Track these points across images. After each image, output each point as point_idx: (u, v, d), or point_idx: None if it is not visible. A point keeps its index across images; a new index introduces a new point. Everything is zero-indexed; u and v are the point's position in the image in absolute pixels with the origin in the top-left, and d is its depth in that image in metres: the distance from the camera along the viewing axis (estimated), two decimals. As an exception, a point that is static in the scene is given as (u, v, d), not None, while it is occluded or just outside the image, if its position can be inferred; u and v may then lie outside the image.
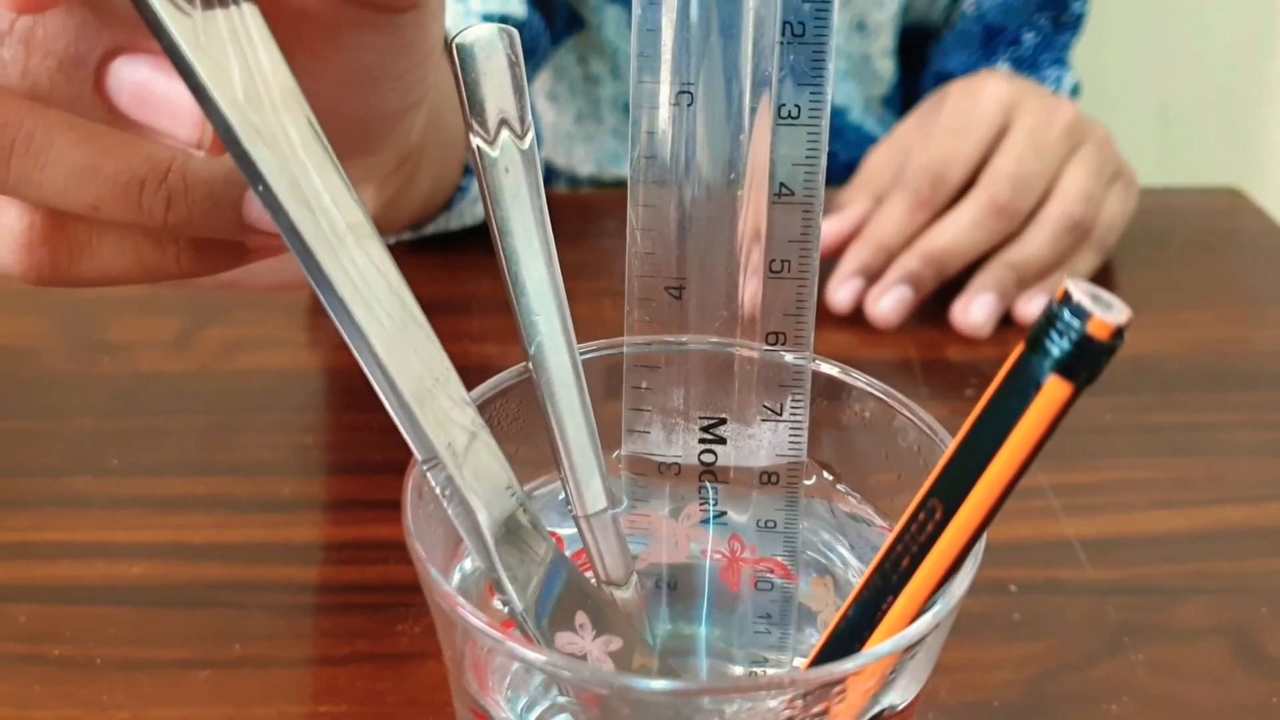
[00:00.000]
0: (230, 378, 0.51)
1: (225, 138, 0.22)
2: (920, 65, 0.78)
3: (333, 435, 0.48)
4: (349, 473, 0.46)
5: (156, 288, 0.57)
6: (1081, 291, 0.18)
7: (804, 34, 0.24)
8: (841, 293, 0.56)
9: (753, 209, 0.26)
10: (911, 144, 0.61)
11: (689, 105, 0.25)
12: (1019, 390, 0.19)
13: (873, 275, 0.56)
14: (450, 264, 0.59)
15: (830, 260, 0.58)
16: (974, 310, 0.55)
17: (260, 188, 0.22)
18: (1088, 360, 0.18)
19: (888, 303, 0.55)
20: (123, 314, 0.55)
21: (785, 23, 0.24)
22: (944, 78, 0.73)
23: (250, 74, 0.22)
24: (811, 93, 0.25)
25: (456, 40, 0.24)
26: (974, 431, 0.20)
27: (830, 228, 0.58)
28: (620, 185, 0.75)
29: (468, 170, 0.55)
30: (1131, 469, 0.47)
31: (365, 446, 0.48)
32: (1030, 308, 0.56)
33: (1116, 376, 0.54)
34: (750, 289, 0.26)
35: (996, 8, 0.72)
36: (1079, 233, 0.57)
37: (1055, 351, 0.18)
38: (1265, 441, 0.50)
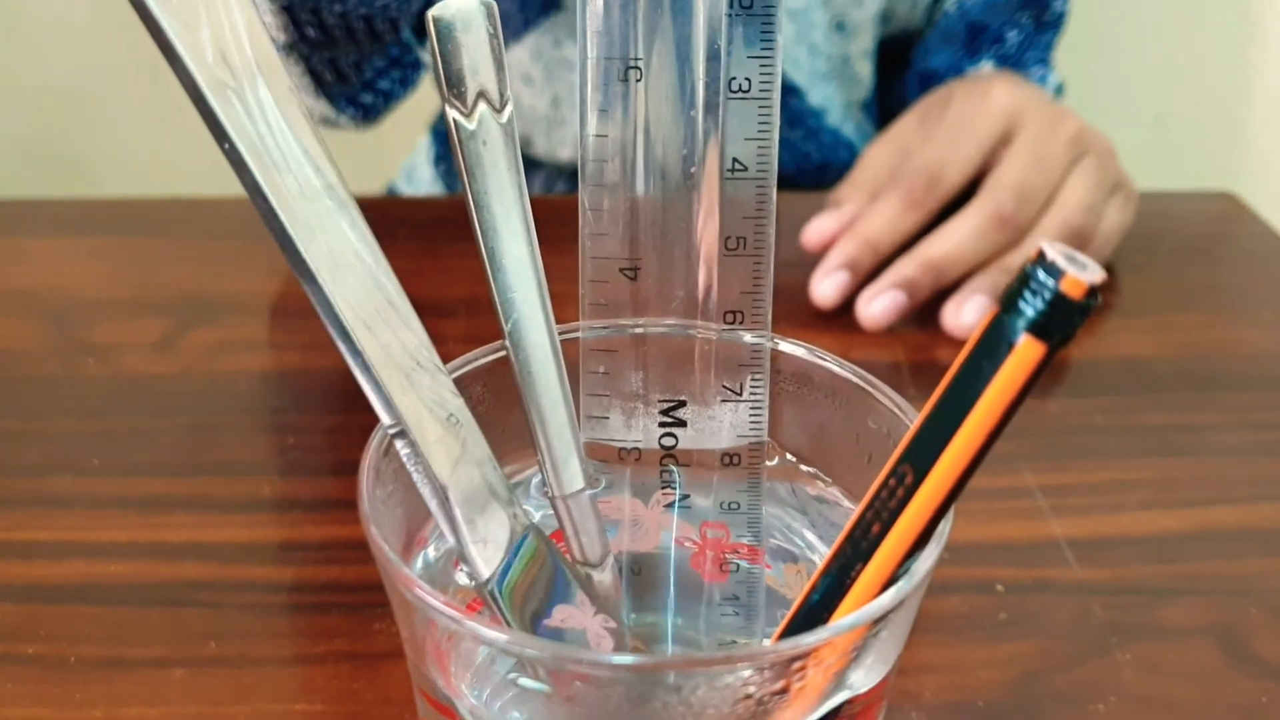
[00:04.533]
0: (213, 379, 0.51)
1: (192, 96, 0.21)
2: (902, 68, 0.77)
3: (313, 436, 0.48)
4: (329, 473, 0.46)
5: (141, 289, 0.57)
6: (1056, 251, 0.18)
7: (752, 5, 0.24)
8: (825, 286, 0.56)
9: (706, 185, 0.25)
10: (911, 142, 0.61)
11: (638, 81, 0.25)
12: (992, 351, 0.18)
13: (857, 269, 0.56)
14: (436, 268, 0.58)
15: (821, 255, 0.57)
16: (966, 312, 0.55)
17: (226, 145, 0.21)
18: (1061, 320, 0.18)
19: (879, 305, 0.55)
20: (108, 316, 0.55)
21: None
22: (928, 77, 0.73)
23: (223, 35, 0.21)
24: (762, 65, 0.24)
25: (434, 13, 0.23)
26: (946, 394, 0.19)
27: (824, 225, 0.58)
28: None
29: None
30: (1120, 469, 0.47)
31: (345, 447, 0.47)
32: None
33: (1106, 377, 0.55)
34: (707, 268, 0.26)
35: (979, 5, 0.72)
36: (1078, 242, 0.57)
37: (1029, 311, 0.18)
38: (1255, 442, 0.49)
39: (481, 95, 0.24)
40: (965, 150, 0.58)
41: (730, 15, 0.24)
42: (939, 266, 0.55)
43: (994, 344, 0.18)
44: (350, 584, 0.40)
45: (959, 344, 0.54)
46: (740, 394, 0.27)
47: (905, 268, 0.55)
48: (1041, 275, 0.18)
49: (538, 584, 0.26)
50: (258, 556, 0.42)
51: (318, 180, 0.22)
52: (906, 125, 0.63)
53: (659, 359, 0.27)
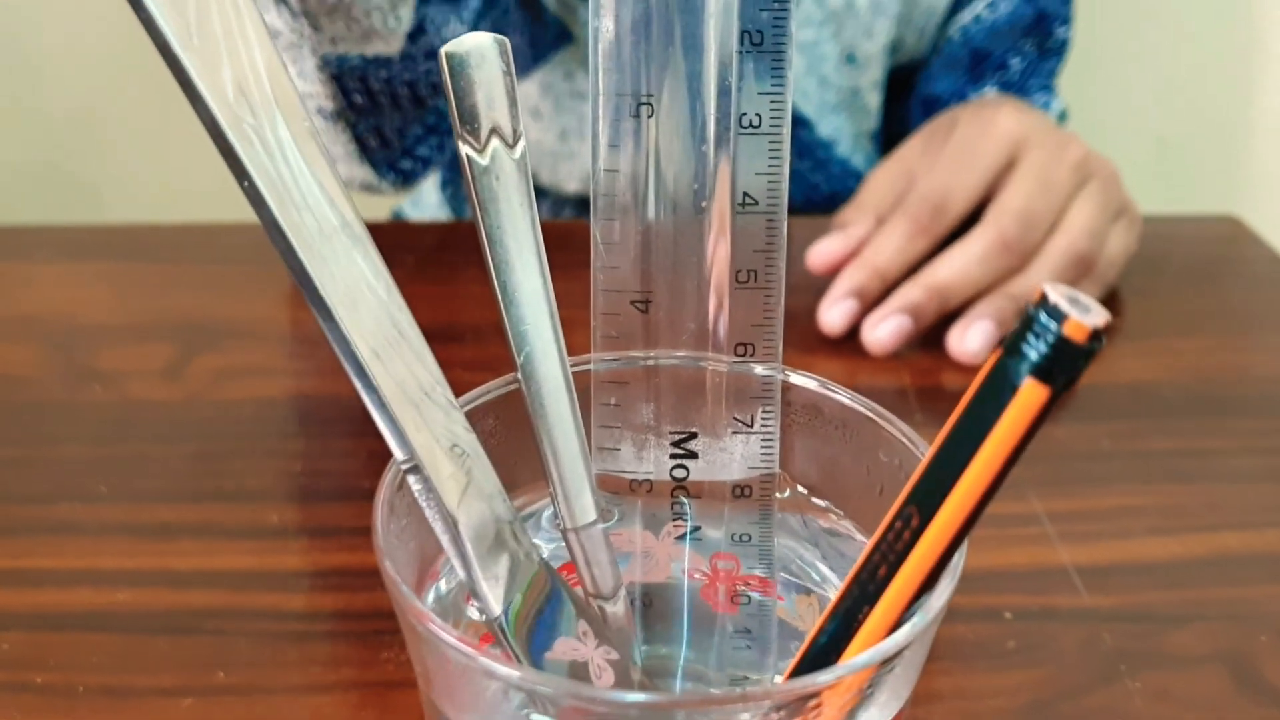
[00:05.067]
0: (219, 406, 0.51)
1: (212, 133, 0.21)
2: (906, 93, 0.78)
3: (320, 462, 0.48)
4: (336, 500, 0.46)
5: (147, 315, 0.57)
6: (1059, 294, 0.18)
7: (762, 42, 0.24)
8: (833, 313, 0.56)
9: (717, 219, 0.25)
10: (916, 166, 0.61)
11: (649, 117, 0.25)
12: (996, 394, 0.18)
13: (865, 297, 0.56)
14: (444, 293, 0.59)
15: (829, 279, 0.57)
16: (970, 338, 0.55)
17: (245, 183, 0.22)
18: (1064, 363, 0.18)
19: (885, 330, 0.55)
20: (114, 342, 0.55)
21: (744, 32, 0.24)
22: (931, 102, 0.73)
23: (243, 74, 0.22)
24: (772, 101, 0.24)
25: (447, 49, 0.24)
26: (951, 437, 0.19)
27: (830, 247, 0.58)
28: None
29: None
30: (1128, 495, 0.47)
31: (353, 474, 0.47)
32: None
33: (1112, 402, 0.55)
34: (717, 301, 0.26)
35: (983, 33, 0.73)
36: (1082, 267, 0.57)
37: (1032, 354, 0.18)
38: (1262, 467, 0.49)
39: (494, 131, 0.24)
40: (970, 176, 0.58)
41: (741, 52, 0.24)
42: (944, 292, 0.55)
43: (998, 387, 0.18)
44: (358, 612, 0.40)
45: (965, 369, 0.54)
46: (751, 426, 0.27)
47: (911, 293, 0.55)
48: (1044, 318, 0.18)
49: (542, 616, 0.26)
50: (266, 584, 0.42)
51: (334, 217, 0.22)
52: (911, 149, 0.63)
53: (670, 391, 0.27)
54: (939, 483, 0.19)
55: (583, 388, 0.27)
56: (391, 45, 0.57)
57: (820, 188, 0.72)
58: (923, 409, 0.52)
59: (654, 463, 0.28)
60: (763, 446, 0.27)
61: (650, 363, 0.27)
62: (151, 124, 1.05)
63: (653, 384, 0.27)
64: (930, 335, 0.56)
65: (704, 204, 0.25)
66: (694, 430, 0.28)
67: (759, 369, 0.27)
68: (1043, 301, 0.18)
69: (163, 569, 0.42)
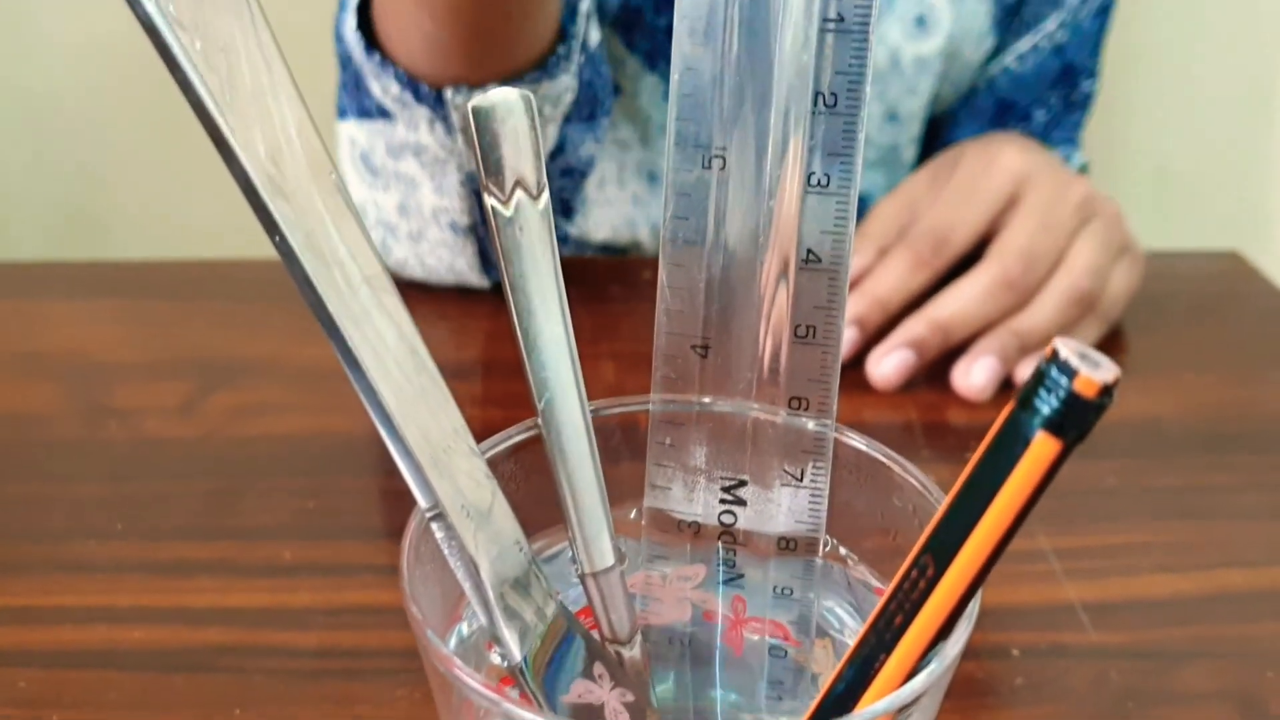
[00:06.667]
0: (234, 443, 0.51)
1: (245, 190, 0.22)
2: (932, 141, 0.78)
3: (334, 500, 0.48)
4: (350, 537, 0.46)
5: (161, 352, 0.58)
6: (1070, 350, 0.18)
7: (836, 104, 0.25)
8: None
9: (779, 273, 0.26)
10: (920, 200, 0.62)
11: (721, 169, 0.26)
12: (1009, 447, 0.19)
13: (865, 327, 0.57)
14: (459, 329, 0.59)
15: None
16: (975, 374, 0.55)
17: (276, 239, 0.22)
18: (1076, 418, 0.18)
19: (890, 365, 0.55)
20: (129, 379, 0.56)
21: (818, 93, 0.25)
22: None
23: (274, 133, 0.22)
24: (842, 163, 0.25)
25: (474, 104, 0.24)
26: (965, 489, 0.20)
27: None
28: (627, 253, 0.75)
29: (565, 41, 0.55)
30: (1134, 532, 0.47)
31: (367, 511, 0.48)
32: (1030, 371, 0.56)
33: (1118, 439, 0.55)
34: (775, 353, 0.27)
35: (1009, 83, 0.73)
36: (1085, 305, 0.58)
37: (1044, 409, 0.19)
38: (1268, 504, 0.49)
39: (519, 183, 0.25)
40: (973, 212, 0.58)
41: (814, 113, 0.25)
42: (947, 327, 0.56)
43: (1011, 440, 0.19)
44: (373, 649, 0.41)
45: (969, 404, 0.55)
46: (801, 480, 0.27)
47: (914, 327, 0.56)
48: (1055, 373, 0.18)
49: (559, 659, 0.26)
50: (281, 621, 0.42)
51: (362, 271, 0.23)
52: (916, 182, 0.63)
53: (723, 436, 0.28)
54: (954, 533, 0.20)
55: (640, 426, 0.28)
56: None
57: None
58: (929, 444, 0.53)
59: (703, 505, 0.28)
60: (811, 501, 0.27)
61: (706, 407, 0.28)
62: (165, 160, 1.06)
63: (707, 428, 0.28)
64: (935, 369, 0.56)
65: (768, 257, 0.26)
66: (744, 478, 0.28)
67: (811, 424, 0.27)
68: (1054, 357, 0.18)
69: (179, 606, 0.43)
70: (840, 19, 0.24)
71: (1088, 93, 0.74)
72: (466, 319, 0.60)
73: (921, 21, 0.71)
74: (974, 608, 0.22)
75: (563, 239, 0.64)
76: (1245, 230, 1.14)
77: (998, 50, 0.74)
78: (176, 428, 0.52)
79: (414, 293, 0.62)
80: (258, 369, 0.56)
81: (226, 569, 0.44)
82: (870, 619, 0.21)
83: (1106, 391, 0.18)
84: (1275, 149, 1.14)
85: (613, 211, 0.74)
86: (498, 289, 0.67)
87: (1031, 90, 0.73)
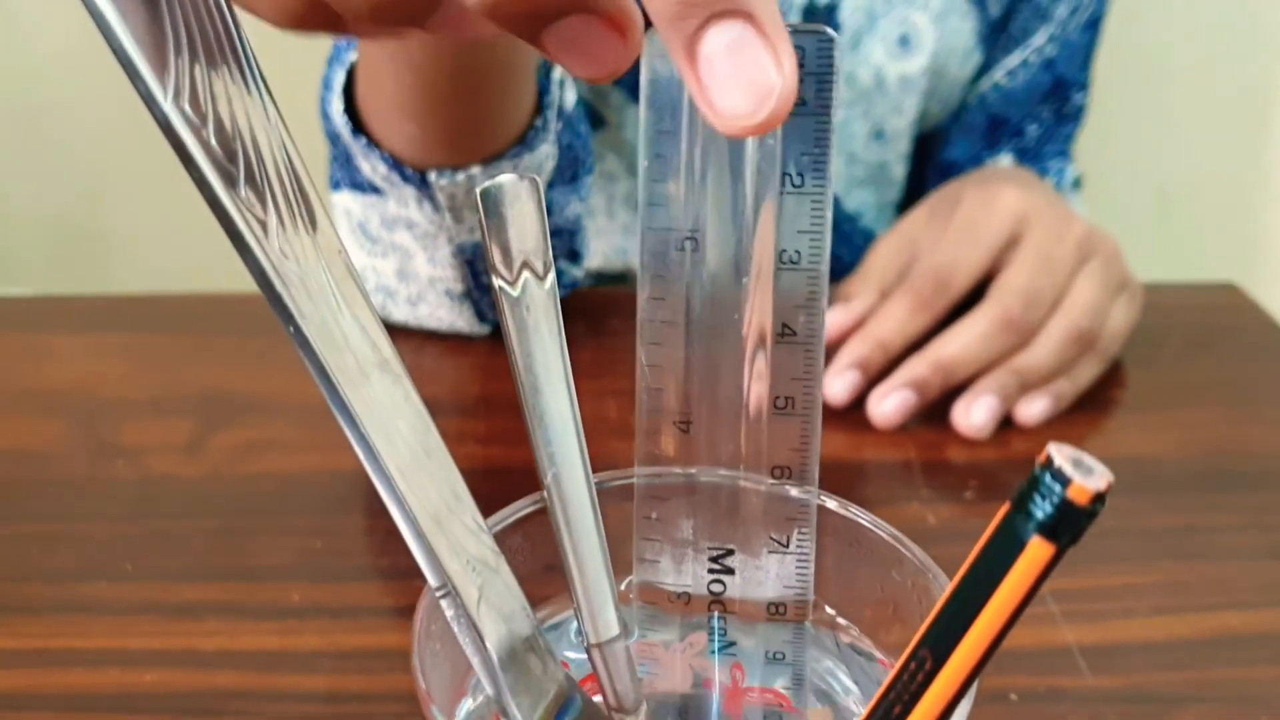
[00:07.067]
0: (241, 482, 0.52)
1: (259, 280, 0.23)
2: (922, 157, 0.79)
3: (341, 540, 0.49)
4: (357, 579, 0.47)
5: (166, 389, 0.58)
6: (1064, 457, 0.19)
7: (803, 184, 0.26)
8: (836, 385, 0.57)
9: (756, 346, 0.27)
10: (920, 239, 0.62)
11: (694, 250, 0.26)
12: (1004, 549, 0.20)
13: (868, 369, 0.57)
14: (458, 365, 0.60)
15: (832, 351, 0.59)
16: (975, 412, 0.56)
17: (291, 328, 0.23)
18: (1069, 523, 0.19)
19: (890, 405, 0.56)
20: (134, 416, 0.56)
21: (785, 174, 0.26)
22: (947, 168, 0.75)
23: (283, 221, 0.23)
24: (811, 239, 0.26)
25: (484, 188, 0.25)
26: (962, 586, 0.20)
27: (833, 319, 0.59)
28: (624, 279, 0.76)
29: (541, 112, 0.56)
30: (1131, 574, 0.48)
31: (374, 551, 0.48)
32: (1031, 410, 0.57)
33: (1115, 477, 0.55)
34: (756, 425, 0.27)
35: (1000, 99, 0.74)
36: (1084, 343, 0.58)
37: (1038, 514, 0.19)
38: (1266, 545, 0.50)
39: (526, 264, 0.25)
40: (974, 253, 0.59)
41: (782, 193, 0.25)
42: (948, 367, 0.57)
43: (1006, 542, 0.20)
44: (380, 694, 0.41)
45: (969, 443, 0.55)
46: (787, 546, 0.28)
47: (916, 368, 0.57)
48: (1049, 480, 0.19)
49: None
50: (289, 665, 0.43)
51: (373, 355, 0.24)
52: (915, 221, 0.64)
53: (709, 508, 0.29)
54: (951, 628, 0.20)
55: (625, 500, 0.28)
56: None
57: (844, 259, 0.73)
58: (928, 483, 0.53)
59: (692, 576, 0.29)
60: (798, 567, 0.28)
61: (690, 480, 0.28)
62: (168, 196, 1.07)
63: (692, 500, 0.29)
64: (935, 409, 0.57)
65: (744, 333, 0.27)
66: (731, 547, 0.29)
67: (795, 491, 0.28)
68: (1048, 464, 0.19)
69: (188, 649, 0.43)
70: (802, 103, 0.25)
71: (1079, 105, 0.75)
72: (467, 355, 0.61)
73: (905, 41, 0.72)
74: (973, 691, 0.22)
75: (573, 284, 0.65)
76: (1244, 257, 1.14)
77: (987, 66, 0.75)
78: (183, 465, 0.53)
79: (415, 331, 0.62)
80: (264, 405, 0.57)
81: (235, 611, 0.45)
82: (869, 707, 0.22)
83: (1099, 499, 0.19)
84: (1274, 172, 1.14)
85: (603, 242, 0.75)
86: (497, 329, 0.68)
87: (1023, 105, 0.74)
